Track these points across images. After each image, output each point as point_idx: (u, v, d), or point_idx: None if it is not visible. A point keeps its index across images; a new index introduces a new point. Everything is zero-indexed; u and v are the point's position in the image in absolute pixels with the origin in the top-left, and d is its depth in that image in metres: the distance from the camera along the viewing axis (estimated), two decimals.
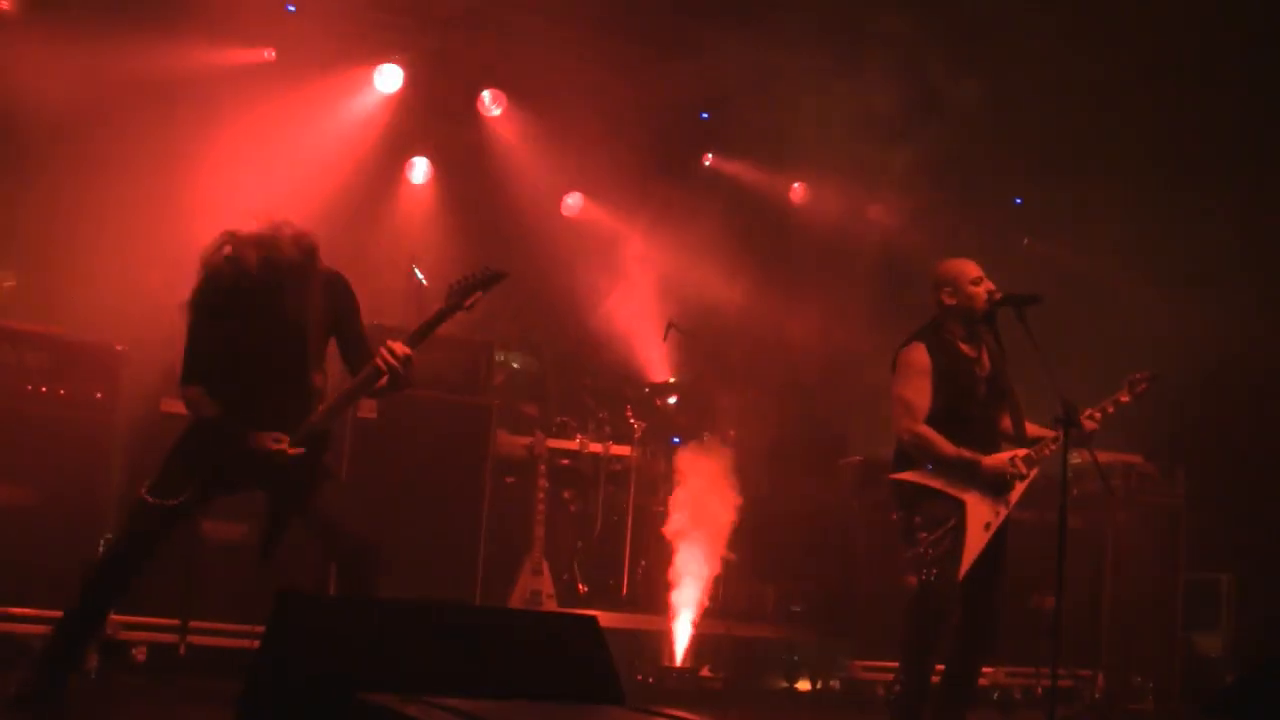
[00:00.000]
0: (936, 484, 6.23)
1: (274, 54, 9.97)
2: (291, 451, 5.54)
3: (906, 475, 6.31)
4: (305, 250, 5.69)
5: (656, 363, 10.73)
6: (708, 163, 11.66)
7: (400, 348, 5.56)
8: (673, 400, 10.07)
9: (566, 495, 9.29)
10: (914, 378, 6.33)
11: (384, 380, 5.64)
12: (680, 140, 11.43)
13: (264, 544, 5.72)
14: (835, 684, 9.08)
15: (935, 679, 6.42)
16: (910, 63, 9.52)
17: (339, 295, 5.85)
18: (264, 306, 5.62)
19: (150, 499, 5.55)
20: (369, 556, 5.66)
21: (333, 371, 5.90)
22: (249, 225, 5.65)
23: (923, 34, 9.41)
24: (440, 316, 5.69)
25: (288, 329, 5.66)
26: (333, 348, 5.86)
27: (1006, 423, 6.50)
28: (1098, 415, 6.54)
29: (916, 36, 9.39)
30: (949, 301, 6.43)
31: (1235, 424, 10.35)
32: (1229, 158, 10.28)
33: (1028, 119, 10.54)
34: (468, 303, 5.69)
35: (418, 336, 5.66)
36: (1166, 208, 10.50)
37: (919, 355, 6.36)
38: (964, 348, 6.41)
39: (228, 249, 5.62)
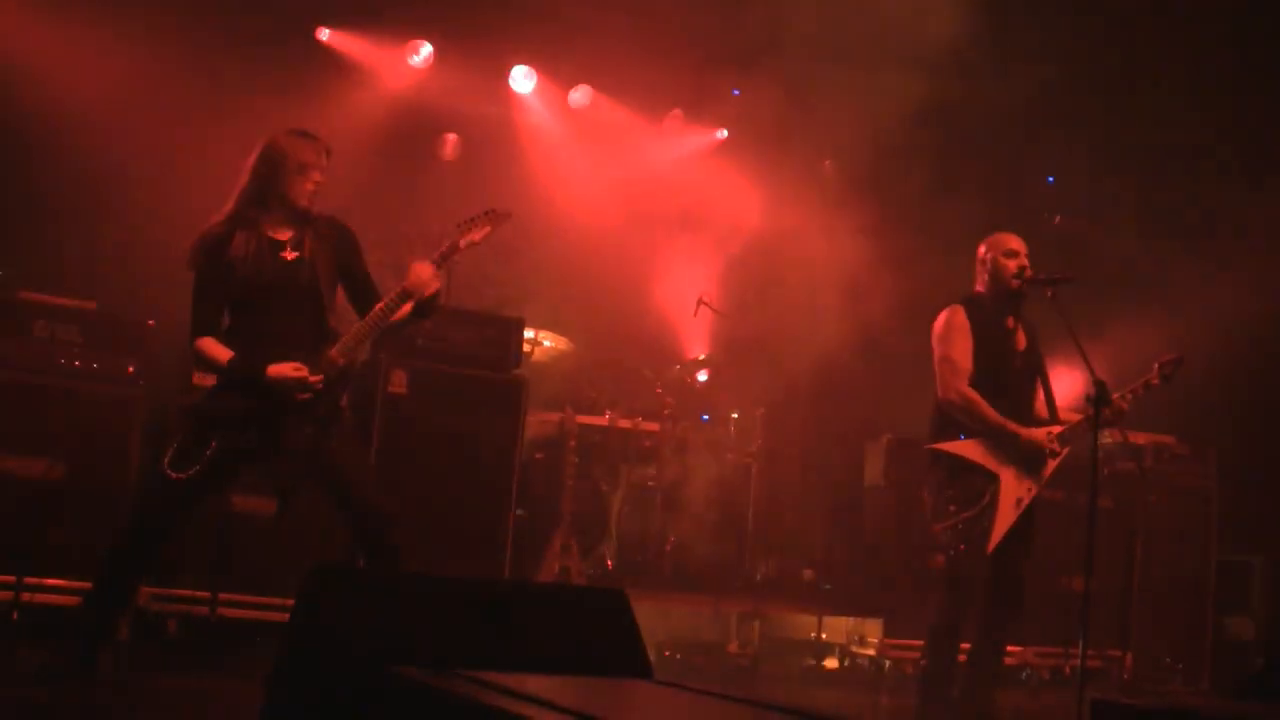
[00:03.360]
0: (975, 456, 6.24)
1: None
2: (313, 379, 5.55)
3: (945, 446, 6.31)
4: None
5: (687, 340, 10.71)
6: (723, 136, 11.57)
7: (426, 265, 5.63)
8: (702, 377, 10.07)
9: (595, 472, 9.29)
10: (956, 338, 6.34)
11: (408, 307, 5.68)
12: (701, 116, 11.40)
13: (280, 503, 5.77)
14: (864, 662, 9.07)
15: (962, 658, 6.42)
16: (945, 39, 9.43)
17: (342, 238, 5.88)
18: (273, 254, 5.65)
19: (172, 474, 5.57)
20: (389, 524, 5.67)
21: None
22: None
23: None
24: (453, 248, 5.82)
25: (299, 275, 5.68)
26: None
27: (1039, 403, 6.51)
28: (1128, 397, 6.53)
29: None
30: (983, 272, 6.46)
31: (1269, 405, 10.26)
32: (1270, 134, 10.18)
33: (1063, 98, 10.45)
34: (478, 235, 5.83)
35: (440, 261, 5.75)
36: (1201, 185, 10.41)
37: (959, 316, 6.39)
38: (1000, 320, 6.41)
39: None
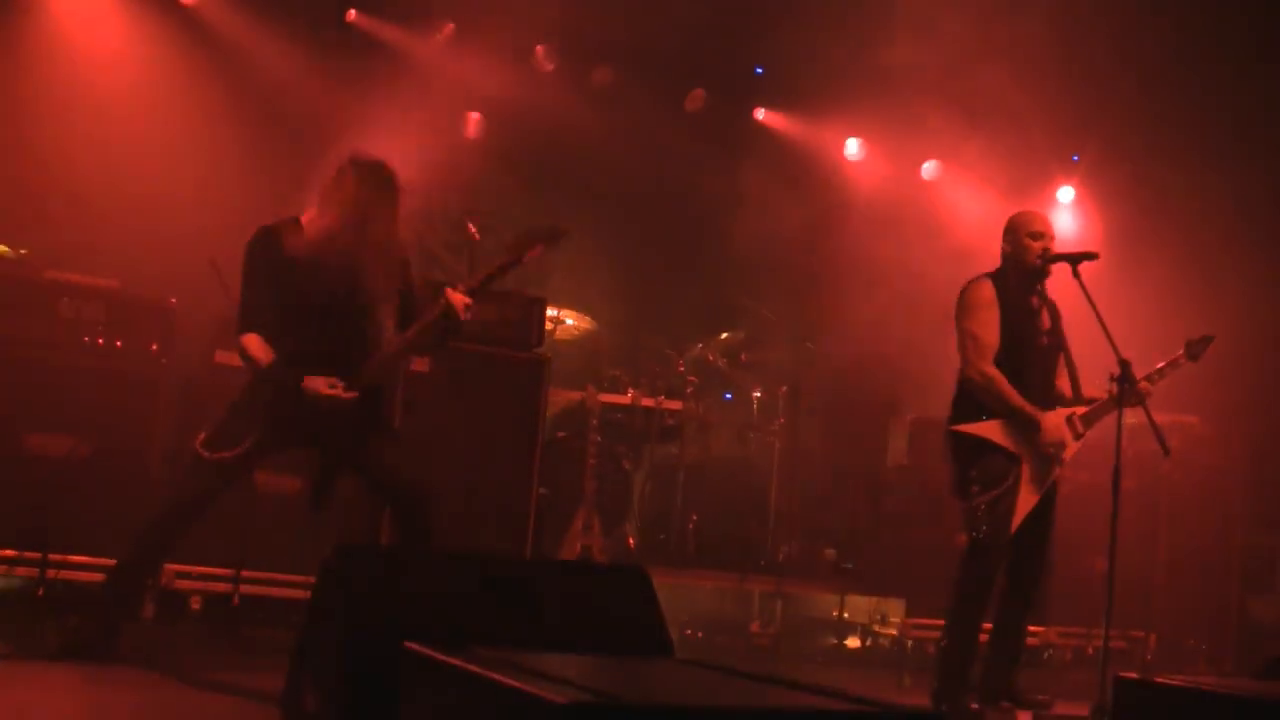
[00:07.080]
0: (996, 438, 6.21)
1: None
2: (346, 395, 5.55)
3: (968, 427, 6.28)
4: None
5: (709, 321, 10.69)
6: (760, 117, 11.52)
7: (461, 296, 5.59)
8: (727, 356, 10.07)
9: (618, 450, 9.29)
10: (981, 311, 6.30)
11: (442, 329, 5.67)
12: (732, 95, 11.34)
13: (314, 497, 5.76)
14: (885, 641, 9.07)
15: (983, 638, 6.41)
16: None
17: (403, 262, 5.88)
18: (340, 260, 5.61)
19: (206, 453, 5.59)
20: (425, 506, 5.70)
21: None
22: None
23: None
24: (501, 269, 5.74)
25: (359, 282, 5.66)
26: None
27: (1062, 382, 6.47)
28: (1154, 378, 6.50)
29: None
30: (1006, 250, 6.43)
31: None
32: None
33: (1090, 72, 10.36)
34: (528, 256, 5.73)
35: (479, 288, 5.69)
36: (1230, 165, 10.32)
37: (986, 290, 6.34)
38: (1025, 298, 6.37)
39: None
